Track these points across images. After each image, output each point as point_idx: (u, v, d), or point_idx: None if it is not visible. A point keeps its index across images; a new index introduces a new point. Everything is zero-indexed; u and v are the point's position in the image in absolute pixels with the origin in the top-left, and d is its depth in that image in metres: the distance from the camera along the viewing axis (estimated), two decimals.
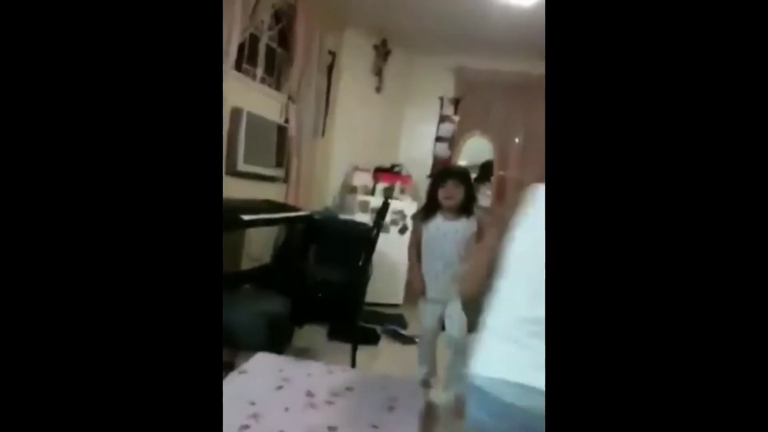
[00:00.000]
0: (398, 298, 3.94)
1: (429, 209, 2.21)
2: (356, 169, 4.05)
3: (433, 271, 2.20)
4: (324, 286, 2.71)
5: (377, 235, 2.51)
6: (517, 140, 4.37)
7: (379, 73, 4.17)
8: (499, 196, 4.37)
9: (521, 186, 4.34)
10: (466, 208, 2.18)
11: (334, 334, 2.92)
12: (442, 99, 4.43)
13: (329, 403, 1.57)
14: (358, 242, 2.91)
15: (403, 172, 4.22)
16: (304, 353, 2.60)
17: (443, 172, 2.32)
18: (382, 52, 4.13)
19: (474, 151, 4.42)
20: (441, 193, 2.15)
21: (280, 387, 1.60)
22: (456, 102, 4.41)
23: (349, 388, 1.80)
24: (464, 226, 2.16)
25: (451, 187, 2.14)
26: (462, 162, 4.39)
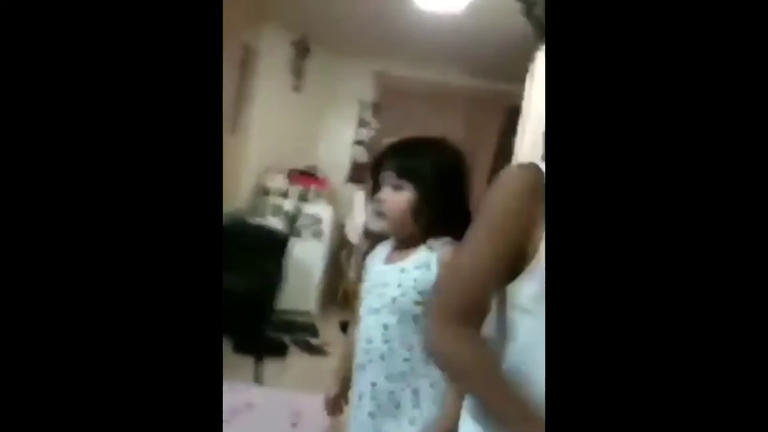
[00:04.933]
0: (310, 305, 3.81)
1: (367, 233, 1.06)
2: (270, 170, 3.87)
3: (363, 341, 1.01)
4: (229, 295, 2.52)
5: (289, 242, 2.38)
6: None
7: (297, 72, 4.02)
8: None
9: None
10: (420, 230, 0.97)
11: (240, 347, 2.73)
12: (361, 102, 4.37)
13: (226, 421, 1.44)
14: (269, 249, 2.76)
15: (320, 175, 4.10)
16: None
17: (380, 154, 1.04)
18: (302, 50, 3.99)
19: None
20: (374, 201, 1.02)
21: None
22: (375, 106, 4.37)
23: (249, 405, 1.70)
24: (416, 273, 0.94)
25: (388, 186, 0.98)
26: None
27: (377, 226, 1.01)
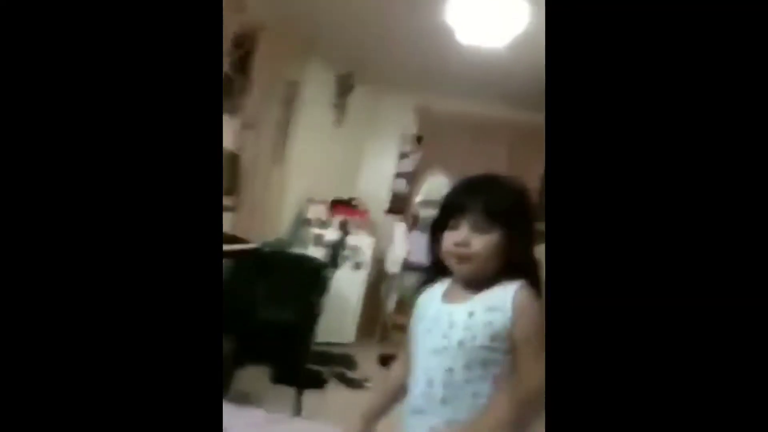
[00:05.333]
0: (349, 336, 3.79)
1: (431, 270, 1.03)
2: (311, 201, 3.93)
3: (422, 383, 0.94)
4: (270, 326, 2.54)
5: (332, 273, 2.39)
6: None
7: (340, 106, 4.12)
8: None
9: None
10: (499, 270, 0.92)
11: (279, 378, 2.73)
12: (403, 136, 4.42)
13: None
14: (310, 279, 2.78)
15: (360, 207, 4.14)
16: (244, 398, 2.42)
17: (456, 193, 0.99)
18: (345, 85, 4.10)
19: (433, 188, 4.39)
20: (447, 239, 0.94)
21: None
22: (417, 139, 4.41)
23: None
24: (488, 317, 0.88)
25: (464, 227, 0.92)
26: (419, 198, 4.34)
27: (460, 270, 0.95)
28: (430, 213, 4.42)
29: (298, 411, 2.37)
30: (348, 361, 3.40)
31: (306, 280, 2.77)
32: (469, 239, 0.91)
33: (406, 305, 4.35)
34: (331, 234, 3.73)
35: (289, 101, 3.62)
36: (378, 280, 4.26)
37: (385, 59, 3.75)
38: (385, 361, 3.59)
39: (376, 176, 4.47)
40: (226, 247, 2.58)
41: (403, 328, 4.49)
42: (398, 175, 4.44)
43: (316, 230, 3.76)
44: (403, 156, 4.43)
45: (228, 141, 3.12)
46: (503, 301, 0.88)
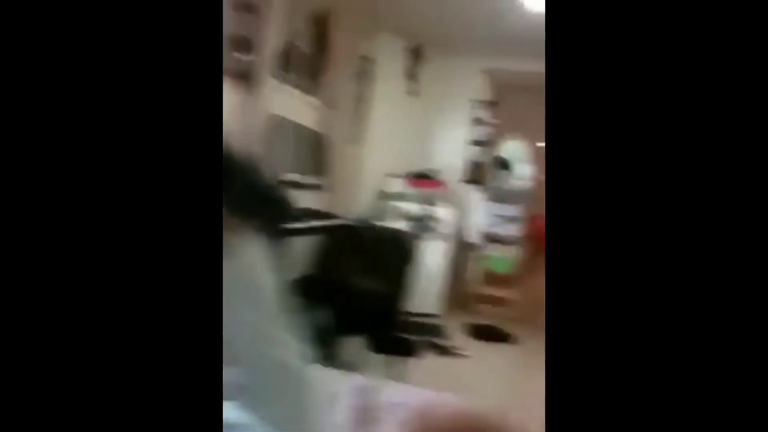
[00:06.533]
0: (434, 307, 3.84)
1: None
2: (390, 175, 3.97)
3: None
4: (366, 297, 2.63)
5: (418, 243, 2.42)
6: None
7: (413, 77, 4.09)
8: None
9: None
10: None
11: (376, 346, 2.84)
12: (475, 102, 4.33)
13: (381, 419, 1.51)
14: (398, 251, 2.83)
15: (437, 178, 4.13)
16: (349, 366, 2.54)
17: None
18: (416, 56, 4.06)
19: (510, 154, 4.30)
20: None
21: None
22: (490, 105, 4.31)
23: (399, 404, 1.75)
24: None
25: None
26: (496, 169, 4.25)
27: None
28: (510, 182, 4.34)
29: (394, 376, 2.45)
30: (436, 331, 3.45)
31: (393, 252, 2.82)
32: None
33: (494, 276, 4.33)
34: (410, 207, 3.76)
35: (364, 77, 3.65)
36: (459, 250, 4.25)
37: (451, 26, 3.67)
38: (480, 332, 3.61)
39: (452, 145, 4.42)
40: (319, 223, 2.68)
41: (492, 300, 4.47)
42: (474, 143, 4.37)
43: (396, 203, 3.81)
44: (477, 122, 4.35)
45: (310, 121, 3.21)
46: None
